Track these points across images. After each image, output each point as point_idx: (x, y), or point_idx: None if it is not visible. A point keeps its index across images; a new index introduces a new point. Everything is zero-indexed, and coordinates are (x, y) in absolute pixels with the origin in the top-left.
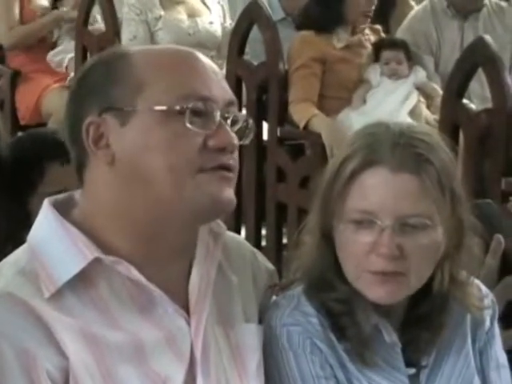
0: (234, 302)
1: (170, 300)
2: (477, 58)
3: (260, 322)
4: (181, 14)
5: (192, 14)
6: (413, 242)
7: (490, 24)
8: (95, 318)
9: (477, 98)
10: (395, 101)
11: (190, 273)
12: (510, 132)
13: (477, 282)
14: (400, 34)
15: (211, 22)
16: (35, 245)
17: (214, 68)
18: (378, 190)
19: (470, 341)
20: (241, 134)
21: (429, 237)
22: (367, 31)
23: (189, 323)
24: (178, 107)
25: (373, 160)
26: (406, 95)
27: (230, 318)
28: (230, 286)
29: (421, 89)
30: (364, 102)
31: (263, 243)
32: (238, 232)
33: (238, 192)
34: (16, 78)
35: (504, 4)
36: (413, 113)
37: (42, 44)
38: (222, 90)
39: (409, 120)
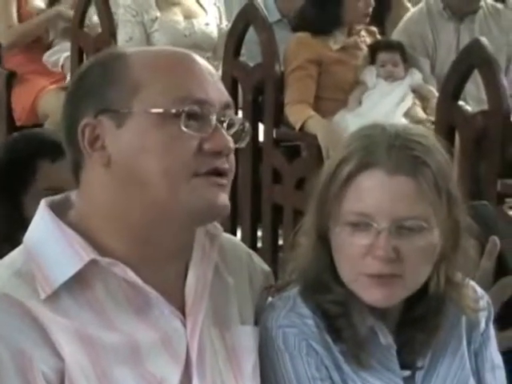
0: (230, 303)
1: (166, 302)
2: (473, 59)
3: (256, 323)
4: (177, 16)
5: (188, 16)
6: (409, 244)
7: (486, 26)
8: (91, 320)
9: (473, 100)
10: (391, 103)
11: (186, 274)
12: (505, 134)
13: (472, 283)
14: (396, 35)
15: (207, 24)
16: (31, 246)
17: (210, 70)
18: (375, 192)
19: (465, 342)
20: (237, 137)
21: (425, 239)
22: (363, 33)
23: (185, 325)
24: (173, 110)
25: (369, 162)
26: (401, 97)
27: (226, 320)
28: (226, 287)
29: (416, 91)
30: (360, 103)
31: (259, 245)
32: (234, 233)
33: (234, 193)
34: (12, 78)
35: (500, 6)
36: (407, 114)
37: (38, 45)
38: (218, 92)
39: (403, 121)
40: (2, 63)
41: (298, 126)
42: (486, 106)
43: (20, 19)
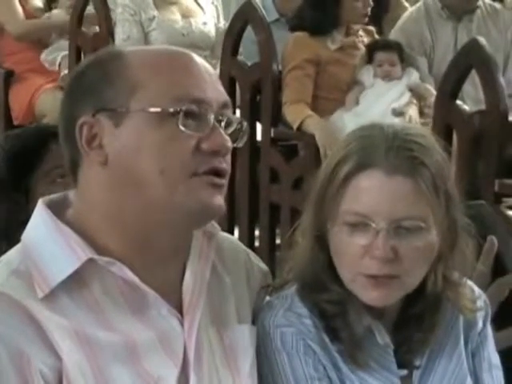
0: (228, 302)
1: (164, 301)
2: (471, 59)
3: (253, 322)
4: (174, 15)
5: (186, 15)
6: (407, 244)
7: (483, 25)
8: (88, 319)
9: (470, 100)
10: (388, 102)
11: (183, 273)
12: (503, 133)
13: (470, 283)
14: (394, 35)
15: (205, 23)
16: (29, 245)
17: (208, 69)
18: (373, 192)
19: (462, 342)
20: (235, 137)
21: (423, 239)
22: (361, 33)
23: (182, 324)
24: (171, 109)
25: (367, 163)
26: (398, 97)
27: (224, 319)
28: (223, 286)
29: (414, 90)
30: (357, 103)
31: (256, 244)
32: (232, 233)
33: (231, 192)
34: (9, 77)
35: (498, 6)
36: (396, 111)
37: (36, 44)
38: (216, 91)
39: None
40: None
41: (295, 126)
42: (483, 106)
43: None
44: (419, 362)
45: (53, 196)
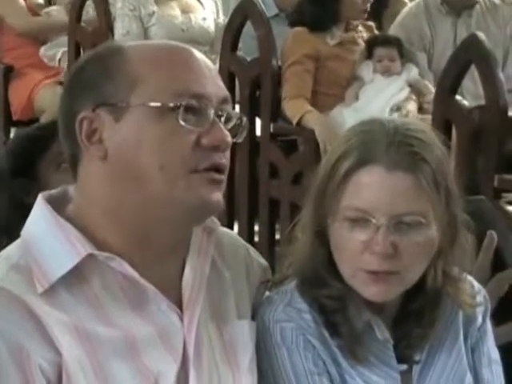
0: (227, 297)
1: (164, 296)
2: (470, 54)
3: (253, 317)
4: (174, 10)
5: (185, 10)
6: (407, 240)
7: (483, 21)
8: (88, 314)
9: (470, 95)
10: (387, 97)
11: (183, 269)
12: (502, 129)
13: (469, 278)
14: (393, 30)
15: (204, 18)
16: (29, 240)
17: (208, 65)
18: (373, 188)
19: (462, 337)
20: (234, 132)
21: (423, 234)
22: (360, 28)
23: (182, 319)
24: (171, 104)
25: (368, 159)
26: (397, 92)
27: (223, 314)
28: (223, 281)
29: (413, 86)
30: (356, 98)
31: (256, 239)
32: (231, 228)
33: (231, 188)
34: (9, 73)
35: (497, 1)
36: (395, 106)
37: (35, 39)
38: (216, 87)
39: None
40: None
41: (295, 121)
42: (483, 102)
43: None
44: (419, 357)
45: (52, 191)
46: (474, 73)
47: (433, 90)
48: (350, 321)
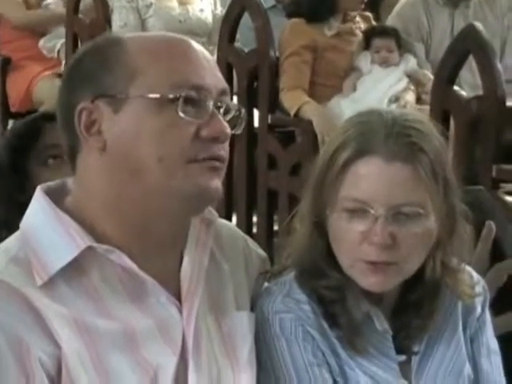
0: (226, 289)
1: (162, 288)
2: (468, 44)
3: (252, 309)
4: (171, 2)
5: (183, 2)
6: (406, 230)
7: (480, 11)
8: (87, 307)
9: (468, 86)
10: (385, 88)
11: (181, 261)
12: (500, 119)
13: (468, 268)
14: (391, 20)
15: (202, 10)
16: (28, 232)
17: (207, 56)
18: (372, 179)
19: (461, 328)
20: (233, 124)
21: (422, 225)
22: (358, 19)
23: (180, 311)
24: (171, 95)
25: (366, 149)
26: (395, 82)
27: (222, 306)
28: (221, 273)
29: (411, 76)
30: (354, 89)
31: (254, 230)
32: (229, 219)
33: (229, 179)
34: (7, 65)
35: None
36: (393, 97)
37: (33, 32)
38: (215, 78)
39: (389, 105)
40: None
41: (293, 112)
42: (480, 92)
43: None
44: (418, 347)
45: (51, 183)
46: (471, 63)
47: (431, 77)
48: (349, 312)
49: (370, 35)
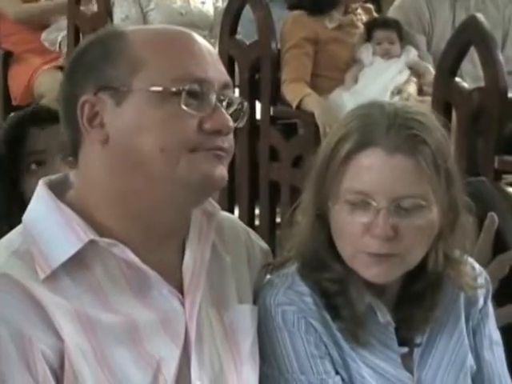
0: (228, 282)
1: (165, 281)
2: (469, 36)
3: (255, 301)
4: None
5: None
6: (408, 222)
7: (481, 2)
8: (90, 300)
9: (469, 77)
10: (386, 80)
11: (183, 254)
12: (502, 110)
13: (470, 260)
14: (392, 12)
15: (203, 2)
16: (30, 226)
17: (210, 50)
18: (374, 171)
19: (463, 319)
20: (235, 117)
21: (424, 217)
22: (359, 11)
23: (183, 304)
24: (173, 89)
25: (368, 141)
26: (397, 74)
27: (224, 299)
28: (223, 266)
29: (413, 68)
30: (356, 81)
31: (256, 222)
32: (232, 212)
33: (231, 171)
34: (8, 58)
35: None
36: (395, 89)
37: (34, 25)
38: (217, 72)
39: (390, 97)
40: None
41: (294, 104)
42: (482, 83)
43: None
44: (420, 339)
45: (53, 176)
46: (473, 55)
47: (433, 70)
48: (352, 304)
49: (371, 27)
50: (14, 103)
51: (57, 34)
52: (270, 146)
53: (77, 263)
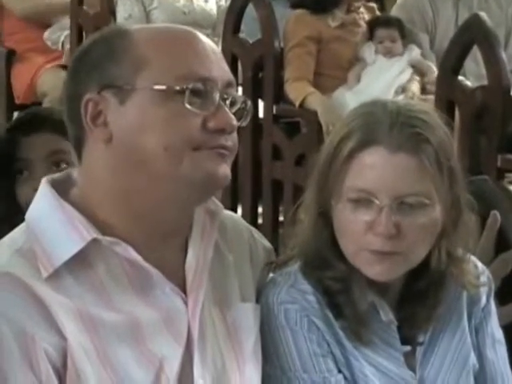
0: (231, 281)
1: (167, 280)
2: (472, 34)
3: (257, 299)
4: None
5: None
6: (411, 220)
7: (484, 1)
8: (92, 299)
9: (472, 76)
10: (389, 78)
11: (186, 252)
12: (505, 109)
13: (473, 258)
14: (395, 11)
15: (206, 1)
16: (33, 224)
17: (214, 48)
18: (376, 169)
19: (466, 318)
20: (239, 116)
21: (427, 215)
22: (362, 9)
23: (186, 303)
24: (177, 87)
25: (371, 140)
26: (400, 73)
27: (227, 298)
28: (226, 265)
29: (416, 66)
30: (359, 80)
31: (259, 221)
32: (235, 210)
33: (234, 170)
34: (11, 57)
35: None
36: (403, 89)
37: (37, 23)
38: (221, 70)
39: (393, 95)
40: (0, 42)
41: (297, 103)
42: (485, 82)
43: None
44: (422, 338)
45: (56, 175)
46: (476, 53)
47: (435, 69)
48: (354, 302)
49: (373, 25)
50: (17, 102)
51: (59, 34)
52: (272, 144)
53: (79, 262)
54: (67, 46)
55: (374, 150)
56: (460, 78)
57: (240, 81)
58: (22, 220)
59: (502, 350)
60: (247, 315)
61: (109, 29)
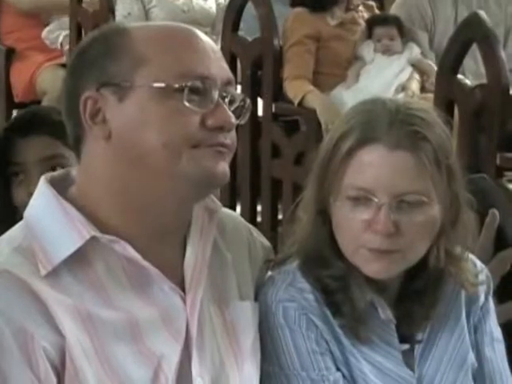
0: (229, 279)
1: (166, 278)
2: (471, 33)
3: (256, 297)
4: None
5: None
6: (409, 219)
7: (483, 0)
8: (91, 297)
9: (471, 74)
10: (388, 76)
11: (185, 250)
12: (504, 107)
13: (472, 257)
14: (394, 9)
15: None
16: (32, 222)
17: (213, 46)
18: (375, 167)
19: (464, 316)
20: (237, 114)
21: (425, 213)
22: (361, 8)
23: (184, 300)
24: (176, 85)
25: (370, 137)
26: (399, 71)
27: (225, 296)
28: (224, 263)
29: (416, 65)
30: (358, 78)
31: (258, 219)
32: (233, 208)
33: (233, 168)
34: (10, 55)
35: None
36: (404, 88)
37: (36, 21)
38: (220, 68)
39: (394, 94)
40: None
41: (296, 101)
42: (484, 81)
43: None
44: (421, 336)
45: (55, 173)
46: (475, 52)
47: (435, 67)
48: (353, 300)
49: (371, 24)
50: (16, 100)
51: (58, 33)
52: (271, 142)
53: (78, 260)
54: (66, 47)
55: (373, 148)
56: (459, 76)
57: (239, 79)
58: (20, 220)
59: (501, 348)
60: (246, 313)
61: (108, 27)
